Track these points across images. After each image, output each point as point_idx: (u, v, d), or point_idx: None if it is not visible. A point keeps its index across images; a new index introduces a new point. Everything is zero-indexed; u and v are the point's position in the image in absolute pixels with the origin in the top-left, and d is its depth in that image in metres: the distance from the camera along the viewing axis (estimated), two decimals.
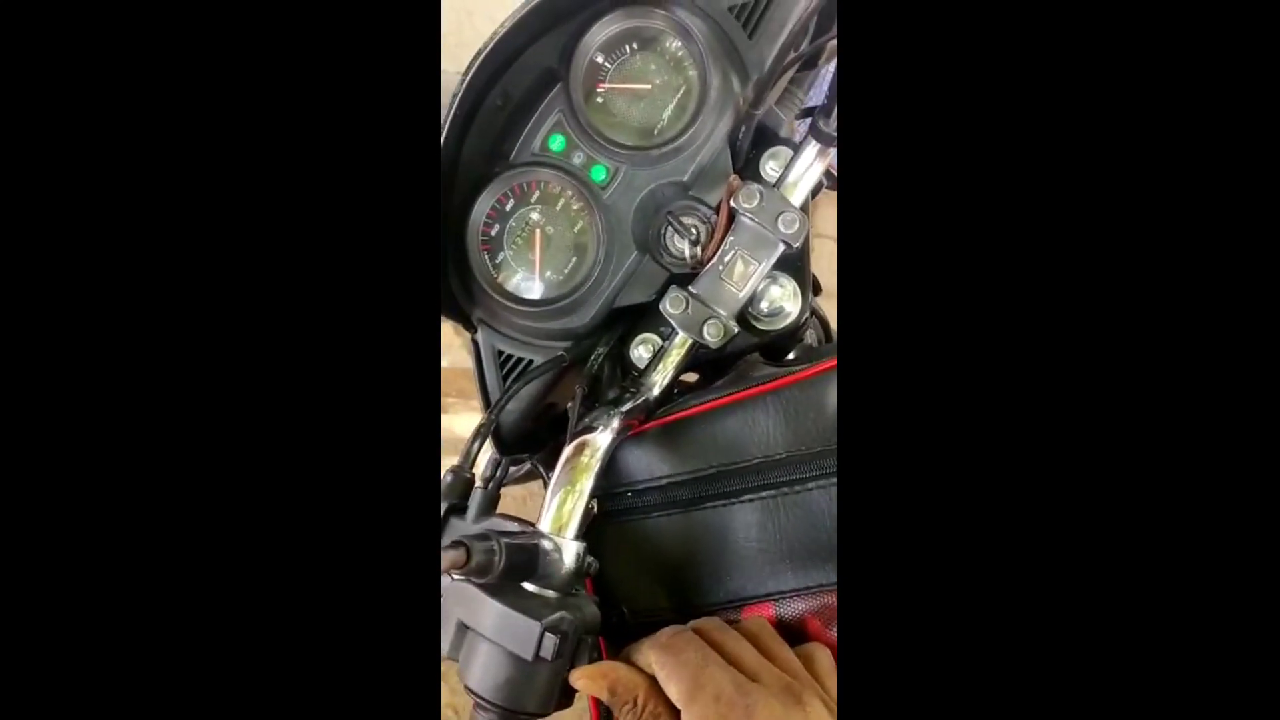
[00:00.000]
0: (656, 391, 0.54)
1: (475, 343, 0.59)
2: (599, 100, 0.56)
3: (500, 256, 0.57)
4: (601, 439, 0.47)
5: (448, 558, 0.33)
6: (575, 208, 0.56)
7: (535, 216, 0.57)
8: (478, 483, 0.46)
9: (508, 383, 0.57)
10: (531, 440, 0.59)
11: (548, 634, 0.36)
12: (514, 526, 0.39)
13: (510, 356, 0.58)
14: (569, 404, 0.63)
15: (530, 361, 0.58)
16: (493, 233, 0.57)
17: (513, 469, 0.53)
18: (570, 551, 0.41)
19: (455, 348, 2.05)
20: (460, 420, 2.05)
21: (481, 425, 0.49)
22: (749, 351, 0.58)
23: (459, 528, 0.42)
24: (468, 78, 0.52)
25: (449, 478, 0.44)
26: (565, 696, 0.38)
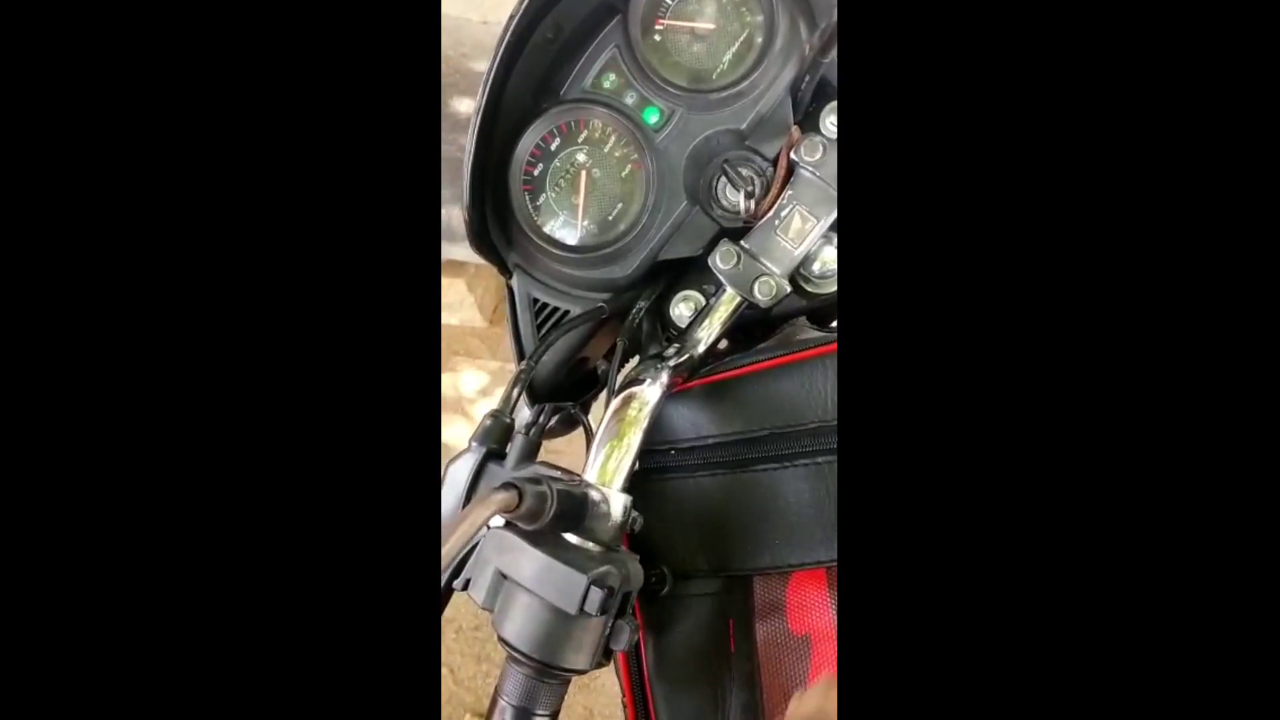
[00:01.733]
0: (701, 349, 0.51)
1: (510, 288, 0.57)
2: (657, 38, 0.52)
3: (542, 198, 0.54)
4: (650, 393, 0.45)
5: (498, 500, 0.31)
6: (624, 150, 0.53)
7: (581, 158, 0.54)
8: (518, 428, 0.43)
9: (543, 332, 0.54)
10: (559, 393, 0.57)
11: (594, 588, 0.34)
12: (558, 474, 0.37)
13: (546, 305, 0.55)
14: (601, 360, 0.60)
15: (566, 312, 0.55)
16: (535, 173, 0.54)
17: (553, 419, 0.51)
18: (618, 504, 0.39)
19: (467, 305, 2.02)
20: (465, 378, 2.03)
21: (520, 372, 0.46)
22: (796, 315, 0.55)
23: (497, 474, 0.40)
24: (521, 6, 0.49)
25: (487, 422, 0.42)
26: (605, 656, 0.36)
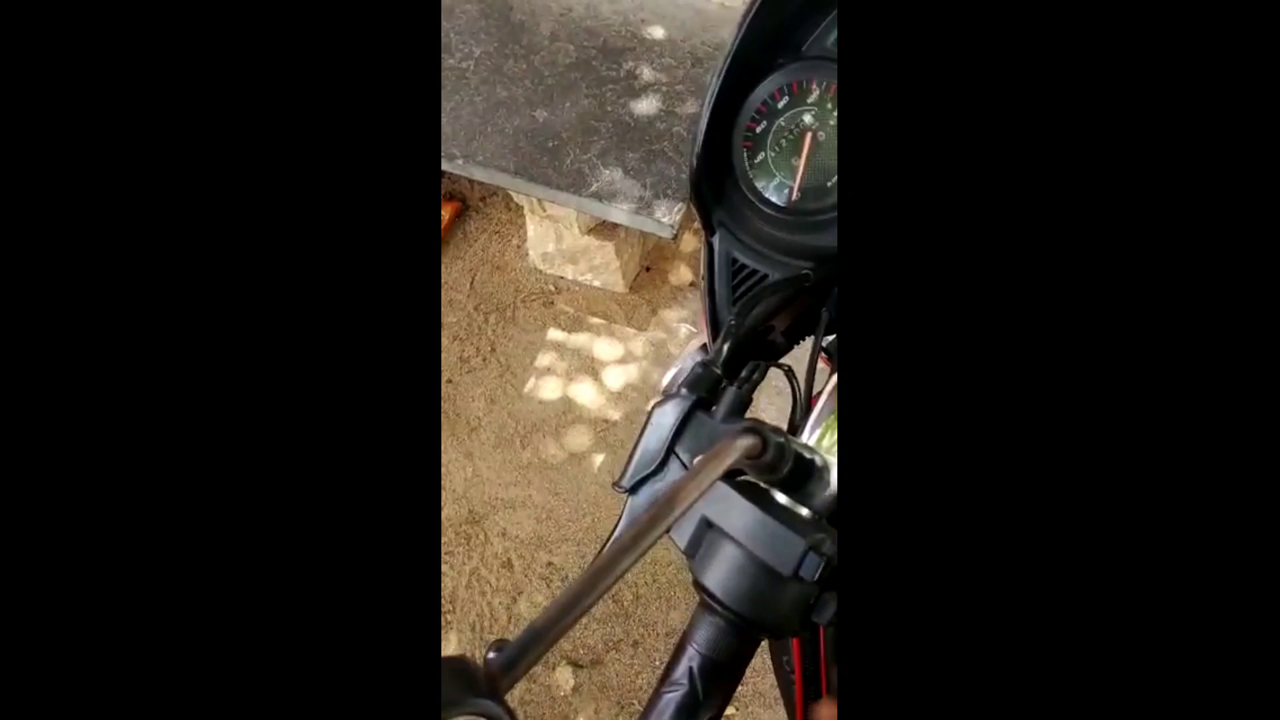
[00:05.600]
0: None
1: (710, 245, 0.56)
2: None
3: (760, 156, 0.53)
4: None
5: (743, 445, 0.30)
6: None
7: (808, 119, 0.52)
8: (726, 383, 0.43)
9: (738, 294, 0.53)
10: (738, 360, 0.56)
11: (812, 553, 0.33)
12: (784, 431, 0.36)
13: (745, 267, 0.54)
14: (780, 332, 0.59)
15: (765, 275, 0.54)
16: (758, 129, 0.53)
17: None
18: (835, 474, 0.38)
19: (611, 269, 2.04)
20: (600, 343, 2.06)
21: (731, 326, 0.46)
22: None
23: (705, 423, 0.40)
24: None
25: (699, 370, 0.41)
26: (803, 627, 0.35)
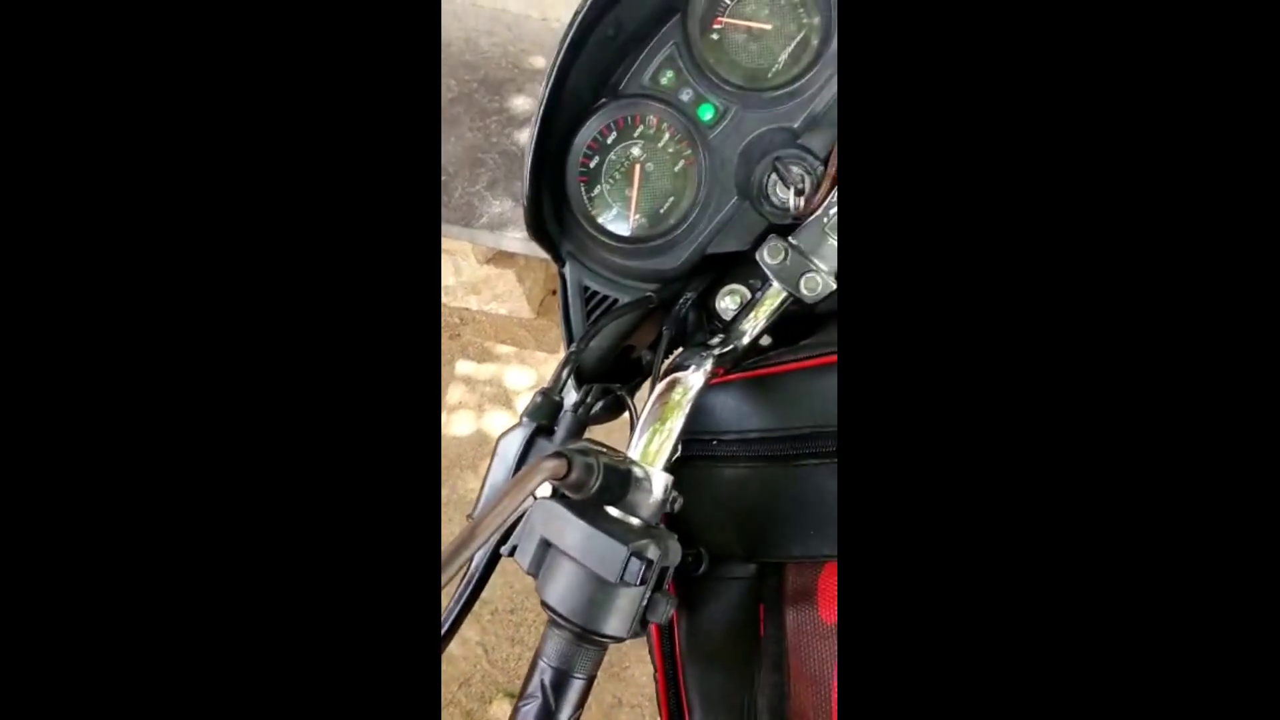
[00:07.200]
0: (745, 341, 0.53)
1: (562, 275, 0.58)
2: (715, 36, 0.54)
3: (597, 190, 0.56)
4: (694, 378, 0.46)
5: (548, 467, 0.33)
6: (678, 146, 0.55)
7: (636, 152, 0.56)
8: (566, 408, 0.45)
9: (593, 319, 0.56)
10: (604, 379, 0.59)
11: (634, 558, 0.36)
12: (604, 449, 0.39)
13: (596, 293, 0.57)
14: (645, 349, 0.62)
15: (616, 300, 0.57)
16: (591, 165, 0.56)
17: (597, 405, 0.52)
18: (660, 483, 0.41)
19: (516, 295, 2.05)
20: (511, 370, 2.06)
21: (570, 354, 0.48)
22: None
23: (545, 448, 0.42)
24: (586, 4, 0.51)
25: (538, 399, 0.44)
26: (642, 626, 0.38)
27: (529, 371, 2.06)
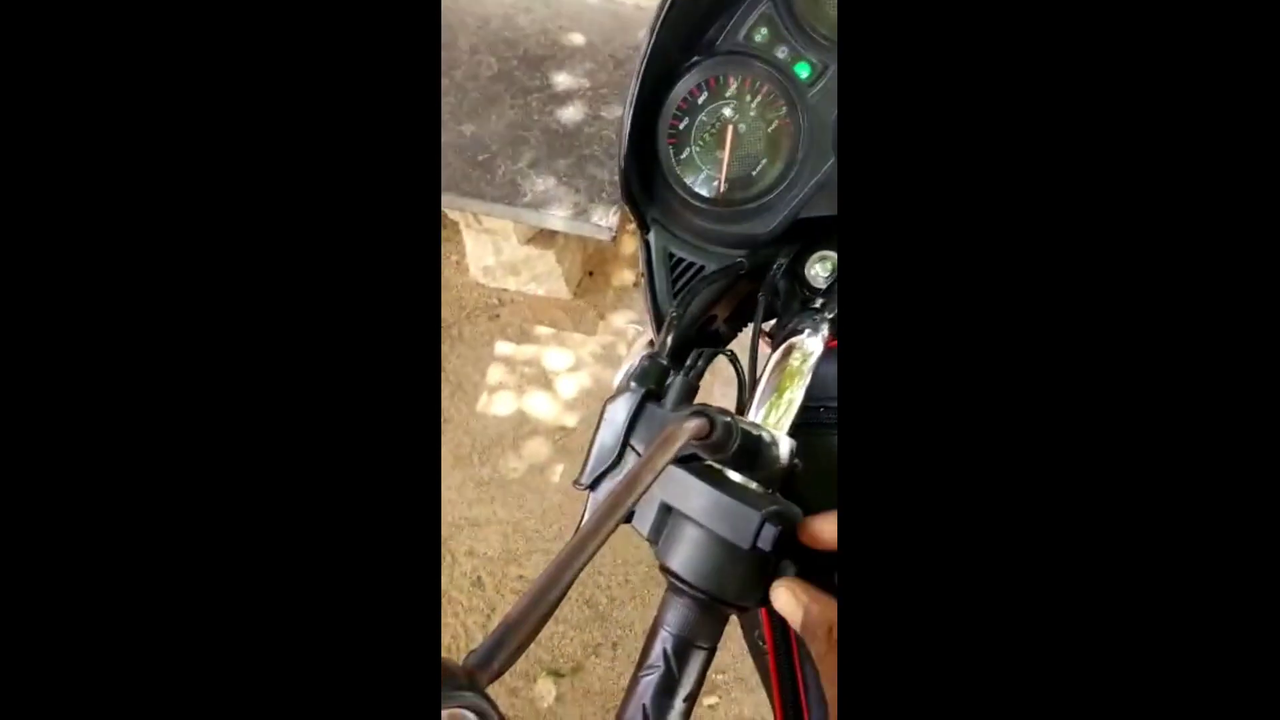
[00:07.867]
0: None
1: (646, 243, 0.57)
2: None
3: (686, 152, 0.55)
4: (812, 344, 0.45)
5: (692, 427, 0.31)
6: (773, 106, 0.53)
7: (728, 112, 0.54)
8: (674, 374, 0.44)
9: (678, 287, 0.55)
10: (683, 350, 0.57)
11: (768, 524, 0.34)
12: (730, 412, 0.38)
13: (682, 260, 0.56)
14: (723, 319, 0.60)
15: (702, 267, 0.55)
16: (680, 126, 0.54)
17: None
18: (785, 447, 0.39)
19: (554, 276, 2.04)
20: (549, 351, 2.06)
21: (672, 318, 0.47)
22: None
23: (656, 414, 0.41)
24: None
25: (645, 363, 0.43)
26: (767, 598, 0.37)
27: (567, 353, 2.05)
